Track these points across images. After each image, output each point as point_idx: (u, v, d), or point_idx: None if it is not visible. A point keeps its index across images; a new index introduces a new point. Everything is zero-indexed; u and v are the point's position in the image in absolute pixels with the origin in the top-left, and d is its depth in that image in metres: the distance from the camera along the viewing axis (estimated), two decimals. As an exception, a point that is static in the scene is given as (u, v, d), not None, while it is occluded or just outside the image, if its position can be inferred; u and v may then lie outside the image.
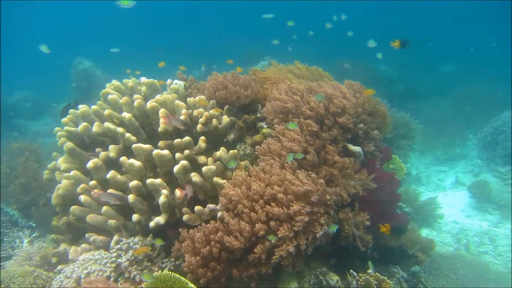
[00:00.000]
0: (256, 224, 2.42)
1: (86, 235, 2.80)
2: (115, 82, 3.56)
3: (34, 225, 4.30)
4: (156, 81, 3.70)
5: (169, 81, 3.69)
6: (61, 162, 3.10)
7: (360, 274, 2.68)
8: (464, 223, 5.71)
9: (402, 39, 3.81)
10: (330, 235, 2.70)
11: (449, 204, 6.34)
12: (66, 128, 3.23)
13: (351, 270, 2.77)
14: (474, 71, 12.85)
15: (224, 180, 2.78)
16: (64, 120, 3.33)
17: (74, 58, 11.75)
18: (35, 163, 4.77)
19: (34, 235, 3.76)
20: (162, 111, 3.02)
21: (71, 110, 3.41)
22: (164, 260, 2.71)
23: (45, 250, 2.98)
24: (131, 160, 2.79)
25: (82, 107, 3.34)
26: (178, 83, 3.59)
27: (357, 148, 2.99)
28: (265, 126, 3.21)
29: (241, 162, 3.08)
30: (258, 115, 3.30)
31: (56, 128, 3.29)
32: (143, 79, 3.60)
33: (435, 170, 8.04)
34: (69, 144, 3.06)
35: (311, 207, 2.52)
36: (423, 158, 8.78)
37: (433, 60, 15.84)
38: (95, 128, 3.08)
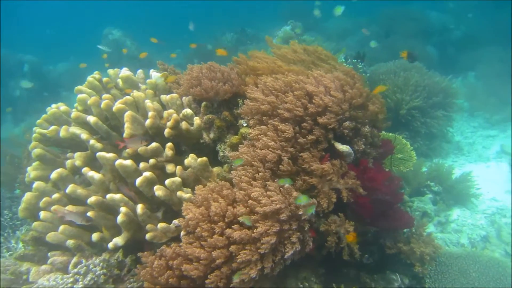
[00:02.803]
0: (213, 252, 2.17)
1: (49, 254, 2.67)
2: (92, 77, 3.32)
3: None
4: (142, 72, 3.45)
5: (150, 72, 3.41)
6: (31, 169, 2.94)
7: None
8: (504, 201, 5.10)
9: (411, 52, 3.43)
10: (310, 247, 2.43)
11: (489, 178, 5.68)
12: (38, 130, 3.06)
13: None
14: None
15: (189, 195, 2.53)
16: (38, 121, 3.16)
17: (104, 28, 11.68)
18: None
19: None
20: (127, 115, 2.76)
21: (48, 108, 3.23)
22: (132, 280, 2.54)
23: (18, 265, 2.88)
24: (91, 173, 2.59)
25: (53, 107, 3.15)
26: (157, 76, 3.29)
27: (345, 148, 2.63)
28: (245, 125, 2.89)
29: (214, 169, 2.80)
30: (240, 110, 2.97)
31: (34, 128, 3.13)
32: (123, 72, 3.34)
33: (482, 135, 7.24)
34: (37, 151, 2.90)
35: (280, 226, 2.24)
36: (472, 120, 7.93)
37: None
38: (62, 132, 2.88)
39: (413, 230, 3.09)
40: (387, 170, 3.30)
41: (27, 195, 2.77)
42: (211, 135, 2.98)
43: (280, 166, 2.46)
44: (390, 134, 3.95)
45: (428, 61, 9.06)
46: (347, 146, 2.64)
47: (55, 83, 11.96)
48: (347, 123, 2.62)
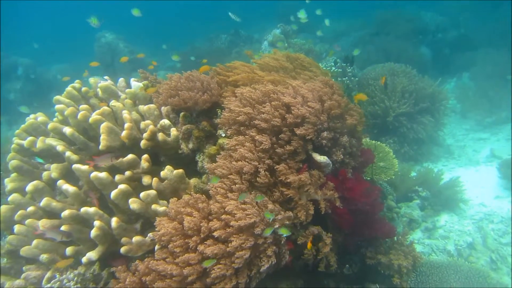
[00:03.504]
0: (185, 269, 2.14)
1: (24, 268, 2.64)
2: (71, 86, 3.29)
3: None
4: (124, 80, 3.42)
5: (130, 80, 3.38)
6: (8, 181, 2.90)
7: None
8: (492, 207, 5.08)
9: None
10: (287, 259, 2.41)
11: (479, 183, 5.67)
12: (16, 141, 3.03)
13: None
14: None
15: (164, 208, 2.50)
16: (17, 131, 3.13)
17: (97, 31, 11.62)
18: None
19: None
20: (103, 126, 2.73)
21: (27, 118, 3.20)
22: (107, 295, 2.51)
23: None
24: (65, 186, 2.56)
25: (31, 117, 3.12)
26: (136, 85, 3.26)
27: (323, 158, 2.61)
28: (223, 135, 2.86)
29: (191, 181, 2.77)
30: (218, 120, 2.94)
31: (13, 138, 3.11)
32: (103, 81, 3.31)
33: (474, 138, 7.21)
34: (14, 162, 2.87)
35: (255, 240, 2.22)
36: (464, 122, 7.89)
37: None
38: (39, 144, 2.86)
39: (395, 239, 3.07)
40: (368, 179, 3.30)
41: (2, 208, 2.73)
42: (190, 145, 2.94)
43: (257, 178, 2.44)
44: (373, 141, 3.94)
45: (422, 62, 9.04)
46: (325, 157, 2.62)
47: (49, 85, 11.90)
48: (325, 134, 2.59)
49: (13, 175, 2.93)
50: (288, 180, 2.44)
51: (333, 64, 6.25)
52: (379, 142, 3.94)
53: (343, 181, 2.69)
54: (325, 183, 2.62)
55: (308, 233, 2.57)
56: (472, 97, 8.01)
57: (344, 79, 6.01)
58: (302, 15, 6.57)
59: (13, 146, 3.03)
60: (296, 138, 2.55)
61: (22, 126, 3.13)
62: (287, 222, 2.38)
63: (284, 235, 2.26)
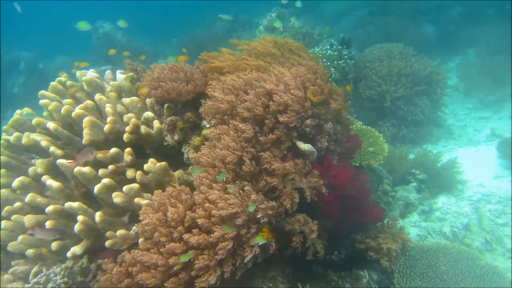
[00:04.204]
0: (170, 259, 2.15)
1: (12, 262, 2.66)
2: (57, 80, 3.28)
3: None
4: (110, 72, 3.40)
5: (116, 72, 3.35)
6: (-2, 177, 2.92)
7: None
8: (490, 187, 5.02)
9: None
10: (273, 248, 2.39)
11: (478, 163, 5.60)
12: (4, 136, 3.03)
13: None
14: None
15: (147, 201, 2.50)
16: (5, 127, 3.13)
17: (95, 21, 11.56)
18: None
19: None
20: (86, 121, 2.72)
21: (14, 114, 3.20)
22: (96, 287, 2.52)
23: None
24: (49, 181, 2.57)
25: (17, 113, 3.12)
26: (121, 77, 3.23)
27: (306, 146, 2.58)
28: (207, 126, 2.84)
29: (175, 173, 2.76)
30: (201, 110, 2.92)
31: (2, 134, 3.12)
32: (88, 74, 3.29)
33: (476, 117, 7.05)
34: (1, 158, 2.87)
35: (237, 230, 2.22)
36: (466, 101, 7.67)
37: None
38: (24, 139, 2.86)
39: (385, 223, 3.06)
40: (356, 165, 3.27)
41: (-9, 204, 2.76)
42: (176, 137, 2.93)
43: (242, 167, 2.42)
44: (363, 126, 3.90)
45: (425, 41, 8.83)
46: (309, 145, 2.59)
47: (51, 78, 11.91)
48: (308, 121, 2.56)
49: (2, 171, 2.94)
50: (273, 167, 2.42)
51: (328, 47, 6.16)
52: (369, 127, 3.89)
53: (328, 168, 2.67)
54: (310, 171, 2.59)
55: (294, 220, 2.56)
56: (475, 74, 7.80)
57: (340, 62, 5.93)
58: (278, 24, 6.54)
59: (1, 142, 3.03)
60: (280, 126, 2.52)
61: (9, 121, 3.14)
62: (270, 212, 2.36)
63: (259, 243, 2.25)
